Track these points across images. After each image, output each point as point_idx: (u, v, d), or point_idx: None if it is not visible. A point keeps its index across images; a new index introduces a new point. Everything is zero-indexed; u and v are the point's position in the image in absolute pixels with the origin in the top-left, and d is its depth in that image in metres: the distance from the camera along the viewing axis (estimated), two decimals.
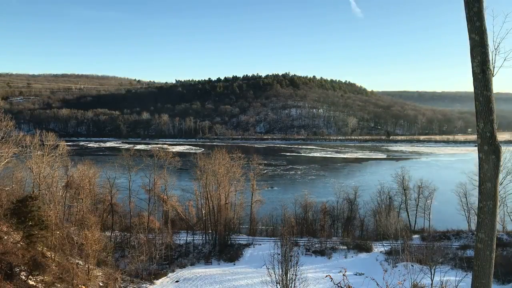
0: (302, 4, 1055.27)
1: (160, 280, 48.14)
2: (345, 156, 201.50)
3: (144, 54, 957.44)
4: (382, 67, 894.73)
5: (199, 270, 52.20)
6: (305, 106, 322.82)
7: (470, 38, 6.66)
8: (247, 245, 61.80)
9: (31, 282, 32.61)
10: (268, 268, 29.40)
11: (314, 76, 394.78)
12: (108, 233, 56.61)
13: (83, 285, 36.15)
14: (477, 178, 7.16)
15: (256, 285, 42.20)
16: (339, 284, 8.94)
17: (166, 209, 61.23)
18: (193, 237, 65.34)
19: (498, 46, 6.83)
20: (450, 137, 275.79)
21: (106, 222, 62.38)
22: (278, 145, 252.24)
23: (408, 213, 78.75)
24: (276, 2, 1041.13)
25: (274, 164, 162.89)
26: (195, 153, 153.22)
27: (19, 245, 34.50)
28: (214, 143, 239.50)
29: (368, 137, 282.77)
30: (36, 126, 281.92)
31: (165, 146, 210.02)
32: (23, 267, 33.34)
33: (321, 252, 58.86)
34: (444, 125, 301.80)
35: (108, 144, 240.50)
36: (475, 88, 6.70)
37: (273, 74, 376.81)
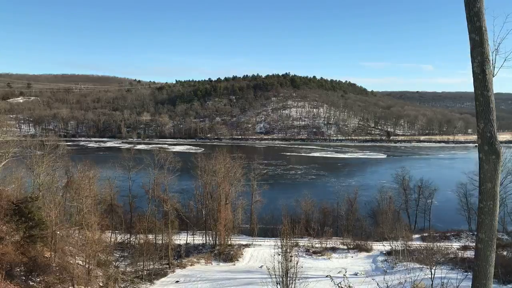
0: (302, 4, 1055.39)
1: (160, 280, 48.11)
2: (345, 156, 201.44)
3: (144, 54, 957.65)
4: (382, 67, 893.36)
5: (199, 270, 52.19)
6: (305, 106, 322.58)
7: (471, 38, 6.66)
8: (247, 245, 61.80)
9: (31, 283, 32.59)
10: (268, 268, 29.38)
11: (314, 76, 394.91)
12: (108, 233, 56.60)
13: (83, 285, 36.14)
14: (477, 178, 7.16)
15: (256, 285, 42.12)
16: (339, 284, 8.94)
17: (166, 209, 61.15)
18: (193, 237, 65.35)
19: (498, 46, 6.84)
20: (450, 137, 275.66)
21: (106, 222, 62.38)
22: (278, 145, 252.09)
23: (408, 213, 78.80)
24: (277, 2, 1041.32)
25: (274, 164, 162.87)
26: (195, 153, 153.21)
27: (19, 245, 34.48)
28: (214, 143, 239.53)
29: (368, 137, 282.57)
30: (36, 126, 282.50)
31: (165, 146, 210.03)
32: (23, 268, 33.34)
33: (321, 252, 58.83)
34: (444, 125, 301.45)
35: (108, 144, 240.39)
36: (475, 88, 6.70)
37: (273, 74, 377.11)
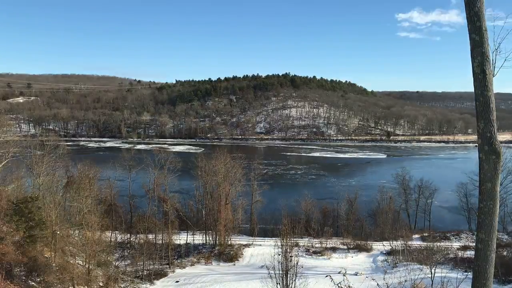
0: (302, 4, 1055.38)
1: (160, 280, 48.15)
2: (345, 156, 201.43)
3: (144, 54, 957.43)
4: (382, 68, 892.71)
5: (199, 270, 52.21)
6: (305, 106, 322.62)
7: (471, 39, 6.65)
8: (247, 245, 61.81)
9: (31, 283, 32.61)
10: (268, 268, 29.39)
11: (314, 76, 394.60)
12: (108, 234, 56.60)
13: (83, 285, 36.15)
14: (477, 178, 7.16)
15: (256, 285, 42.15)
16: (339, 284, 8.94)
17: (166, 209, 61.19)
18: (193, 237, 65.35)
19: (498, 46, 6.83)
20: (450, 137, 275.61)
21: (106, 222, 62.45)
22: (278, 145, 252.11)
23: (408, 213, 78.76)
24: (276, 2, 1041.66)
25: (274, 164, 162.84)
26: (196, 153, 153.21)
27: (19, 245, 34.48)
28: (214, 143, 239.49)
29: (368, 137, 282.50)
30: (36, 126, 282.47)
31: (165, 146, 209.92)
32: (23, 268, 33.35)
33: (321, 252, 58.85)
34: (444, 125, 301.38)
35: (108, 144, 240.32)
36: (475, 88, 6.68)
37: (273, 74, 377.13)
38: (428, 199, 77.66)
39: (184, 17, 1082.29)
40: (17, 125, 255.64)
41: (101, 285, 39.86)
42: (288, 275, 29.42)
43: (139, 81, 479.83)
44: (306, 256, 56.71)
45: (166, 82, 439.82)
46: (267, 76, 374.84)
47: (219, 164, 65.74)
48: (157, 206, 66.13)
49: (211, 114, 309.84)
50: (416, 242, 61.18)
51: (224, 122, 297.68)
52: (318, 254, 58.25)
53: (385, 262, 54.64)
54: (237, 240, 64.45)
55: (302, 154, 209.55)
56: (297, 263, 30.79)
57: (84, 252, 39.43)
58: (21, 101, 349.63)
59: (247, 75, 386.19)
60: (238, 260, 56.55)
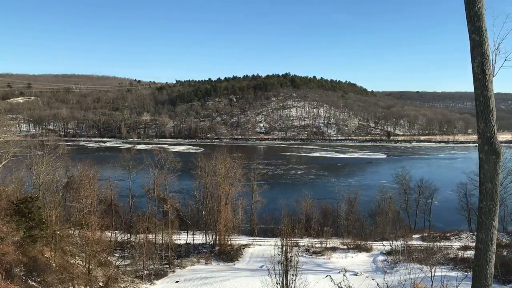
0: (302, 4, 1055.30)
1: (160, 280, 48.17)
2: (345, 156, 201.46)
3: (144, 54, 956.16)
4: (382, 68, 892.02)
5: (199, 270, 52.21)
6: (305, 106, 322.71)
7: (471, 39, 6.65)
8: (247, 245, 61.82)
9: (31, 283, 32.60)
10: (268, 268, 29.41)
11: (314, 76, 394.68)
12: (108, 234, 56.59)
13: (83, 285, 36.16)
14: (477, 178, 7.16)
15: (256, 285, 42.14)
16: (339, 284, 8.94)
17: (166, 209, 61.17)
18: (193, 237, 65.37)
19: (498, 46, 6.83)
20: (450, 137, 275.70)
21: (106, 223, 62.45)
22: (278, 145, 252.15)
23: (408, 213, 78.81)
24: (276, 2, 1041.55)
25: (274, 164, 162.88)
26: (196, 153, 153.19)
27: (19, 245, 34.48)
28: (214, 143, 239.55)
29: (368, 137, 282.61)
30: (36, 126, 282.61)
31: (165, 146, 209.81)
32: (23, 268, 33.35)
33: (321, 252, 58.85)
34: (444, 125, 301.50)
35: (108, 144, 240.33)
36: (475, 88, 6.68)
37: (273, 74, 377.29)
38: (428, 199, 77.66)
39: (184, 18, 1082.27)
40: (17, 125, 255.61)
41: (101, 285, 39.85)
42: (288, 275, 29.44)
43: (139, 81, 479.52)
44: (306, 256, 56.71)
45: (166, 82, 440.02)
46: (267, 76, 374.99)
47: (219, 164, 65.72)
48: (157, 206, 66.12)
49: (211, 114, 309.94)
50: (416, 242, 61.19)
51: (224, 122, 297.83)
52: (318, 254, 58.24)
53: (385, 262, 54.63)
54: (237, 240, 64.46)
55: (302, 154, 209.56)
56: (297, 263, 30.82)
57: (84, 252, 39.46)
58: (21, 101, 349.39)
59: (247, 75, 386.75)
60: (238, 260, 56.55)
